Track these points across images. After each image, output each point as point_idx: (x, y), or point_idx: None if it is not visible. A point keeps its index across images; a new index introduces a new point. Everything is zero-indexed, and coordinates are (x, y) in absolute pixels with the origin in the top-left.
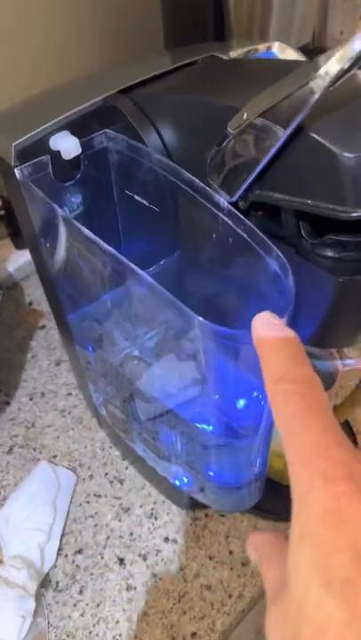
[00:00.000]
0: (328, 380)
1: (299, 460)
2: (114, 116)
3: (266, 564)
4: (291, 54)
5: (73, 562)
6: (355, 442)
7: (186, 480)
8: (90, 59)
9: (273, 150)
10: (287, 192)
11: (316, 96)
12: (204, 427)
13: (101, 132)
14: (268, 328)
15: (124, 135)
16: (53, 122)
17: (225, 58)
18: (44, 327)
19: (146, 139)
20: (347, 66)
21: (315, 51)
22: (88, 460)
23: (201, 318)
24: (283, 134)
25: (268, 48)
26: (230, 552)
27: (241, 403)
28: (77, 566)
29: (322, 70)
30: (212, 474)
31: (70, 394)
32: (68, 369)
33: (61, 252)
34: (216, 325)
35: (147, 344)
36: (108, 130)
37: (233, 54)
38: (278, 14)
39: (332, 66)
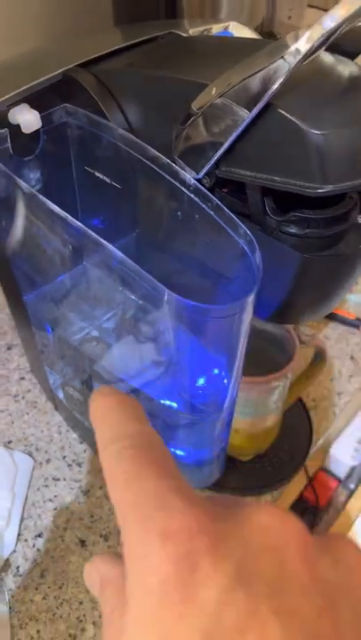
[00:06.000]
0: (286, 357)
1: (133, 517)
2: (74, 91)
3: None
4: (247, 34)
5: (33, 546)
6: (308, 419)
7: None
8: (36, 32)
9: (239, 130)
10: (254, 168)
11: (287, 73)
12: (169, 403)
13: (61, 106)
14: (102, 395)
15: (85, 110)
16: (11, 95)
17: (185, 35)
18: None
19: (108, 114)
20: (316, 44)
21: (264, 35)
22: (45, 445)
23: (169, 291)
24: (248, 116)
25: (225, 28)
26: None
27: (203, 380)
28: (38, 550)
29: (293, 48)
30: (173, 450)
31: (23, 378)
32: (19, 353)
33: (18, 229)
34: (184, 299)
35: (105, 325)
36: (67, 104)
37: (191, 32)
38: None
39: (303, 43)
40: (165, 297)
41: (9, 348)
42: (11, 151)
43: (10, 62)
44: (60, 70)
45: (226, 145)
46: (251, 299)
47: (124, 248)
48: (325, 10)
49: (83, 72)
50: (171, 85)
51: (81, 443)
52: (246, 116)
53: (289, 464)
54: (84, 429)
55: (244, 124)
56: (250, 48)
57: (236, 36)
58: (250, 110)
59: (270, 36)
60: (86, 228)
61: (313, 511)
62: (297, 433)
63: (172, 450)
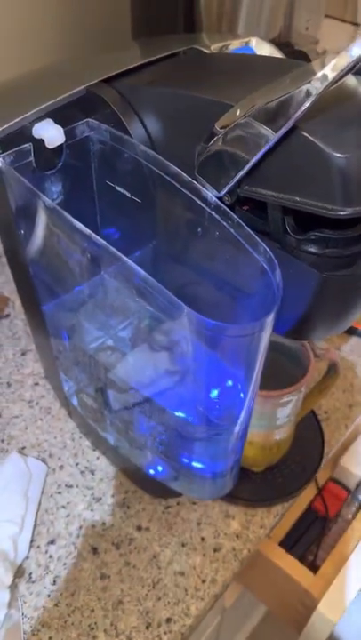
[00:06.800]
0: (300, 370)
1: None
2: (97, 106)
3: None
4: (267, 50)
5: (46, 552)
6: (320, 430)
7: (160, 469)
8: (55, 46)
9: (263, 150)
10: (276, 188)
11: (313, 99)
12: (183, 415)
13: (84, 121)
14: None
15: (107, 125)
16: (36, 110)
17: (207, 51)
18: (8, 316)
19: (130, 130)
20: (344, 71)
21: (281, 45)
22: (58, 451)
23: (189, 309)
24: (273, 137)
25: (246, 43)
26: (202, 538)
27: (219, 393)
28: (50, 557)
29: (319, 74)
30: (187, 462)
31: (37, 384)
32: (34, 359)
33: (39, 239)
34: (204, 317)
35: (120, 334)
36: (90, 119)
37: (212, 47)
38: (247, 8)
39: (329, 70)
40: (184, 314)
41: (23, 354)
42: (34, 165)
43: (33, 77)
44: (84, 86)
45: (249, 165)
46: (270, 318)
47: (142, 258)
48: (343, 20)
49: (106, 88)
50: (194, 104)
51: (94, 450)
52: (272, 136)
53: (301, 475)
54: (97, 436)
55: (269, 144)
56: (273, 69)
57: (258, 52)
58: (275, 132)
59: (287, 47)
60: (108, 245)
61: (322, 522)
62: (309, 444)
63: (187, 461)
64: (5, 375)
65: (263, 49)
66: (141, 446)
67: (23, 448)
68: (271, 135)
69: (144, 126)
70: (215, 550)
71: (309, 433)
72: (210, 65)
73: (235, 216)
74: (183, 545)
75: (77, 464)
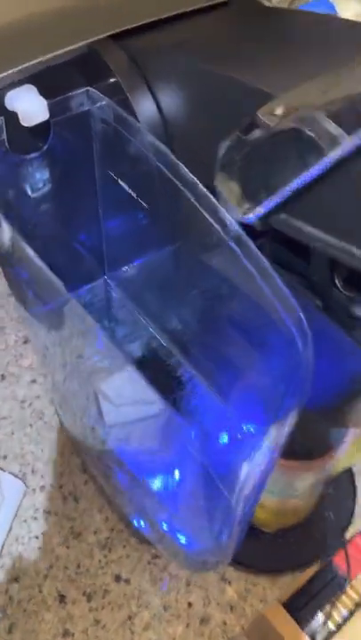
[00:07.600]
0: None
1: None
2: (99, 71)
3: None
4: (354, 10)
5: (6, 592)
6: (352, 484)
7: (143, 524)
8: None
9: (327, 161)
10: (326, 227)
11: None
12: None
13: (83, 89)
14: None
15: (111, 99)
16: (12, 71)
17: (266, 3)
18: None
19: (136, 106)
20: None
21: None
22: (42, 467)
23: (175, 415)
24: (347, 143)
25: None
26: (189, 604)
27: (227, 439)
28: (10, 598)
29: None
30: (169, 532)
31: (34, 381)
32: (35, 349)
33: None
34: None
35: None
36: (91, 88)
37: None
38: None
39: None
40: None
41: (26, 342)
42: (7, 146)
43: (18, 26)
44: (84, 42)
45: (294, 185)
46: (290, 418)
47: (151, 266)
48: None
49: (111, 45)
50: (232, 88)
51: (83, 472)
52: (344, 140)
53: (320, 543)
54: (87, 456)
55: (339, 153)
56: (358, 43)
57: (340, 11)
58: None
59: None
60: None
61: (340, 582)
62: (337, 502)
63: (170, 531)
64: (2, 366)
65: (348, 7)
66: (123, 495)
67: (4, 458)
68: (344, 138)
69: (158, 105)
70: (202, 621)
71: (339, 489)
72: (267, 27)
73: (262, 257)
74: (165, 608)
75: (61, 487)
